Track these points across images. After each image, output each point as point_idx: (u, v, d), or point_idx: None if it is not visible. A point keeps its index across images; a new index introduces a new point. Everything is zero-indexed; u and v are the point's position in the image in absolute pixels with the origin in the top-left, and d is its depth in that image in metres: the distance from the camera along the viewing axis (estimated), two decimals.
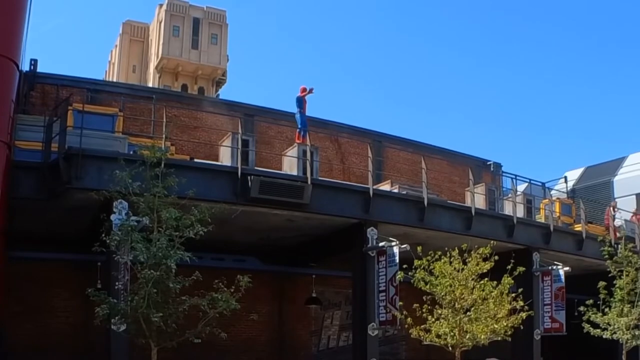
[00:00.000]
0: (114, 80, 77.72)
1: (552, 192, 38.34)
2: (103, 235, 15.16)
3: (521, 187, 34.88)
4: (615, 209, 31.06)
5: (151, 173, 15.52)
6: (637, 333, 24.17)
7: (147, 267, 14.56)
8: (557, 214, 30.48)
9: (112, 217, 16.44)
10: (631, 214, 33.73)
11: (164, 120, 20.16)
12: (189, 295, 15.17)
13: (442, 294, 18.39)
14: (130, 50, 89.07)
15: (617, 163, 42.20)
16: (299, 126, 24.82)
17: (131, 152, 19.49)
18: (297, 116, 24.86)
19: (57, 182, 18.24)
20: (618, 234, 29.03)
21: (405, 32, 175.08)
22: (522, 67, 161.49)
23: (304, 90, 24.82)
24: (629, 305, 23.94)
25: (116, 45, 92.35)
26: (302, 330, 29.20)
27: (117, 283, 15.73)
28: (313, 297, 27.94)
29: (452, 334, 18.41)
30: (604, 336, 24.10)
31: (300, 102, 24.79)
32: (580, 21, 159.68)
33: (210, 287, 15.33)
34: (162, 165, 15.76)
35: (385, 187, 25.76)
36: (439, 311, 18.47)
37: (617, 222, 31.46)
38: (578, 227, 29.81)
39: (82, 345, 22.90)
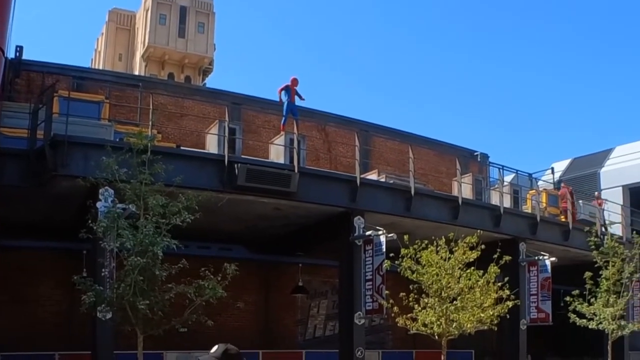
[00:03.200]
0: (100, 68, 77.38)
1: (539, 183, 38.38)
2: (89, 222, 15.05)
3: (508, 178, 34.89)
4: (573, 194, 30.98)
5: (138, 160, 15.40)
6: (622, 323, 24.24)
7: (134, 254, 14.48)
8: (544, 205, 30.49)
9: (98, 204, 16.35)
10: (593, 199, 33.76)
11: (151, 107, 20.06)
12: (175, 283, 15.11)
13: (429, 282, 18.35)
14: (116, 39, 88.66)
15: (604, 155, 42.30)
16: (284, 115, 24.80)
17: (117, 140, 19.36)
18: (285, 106, 24.81)
19: (42, 169, 18.10)
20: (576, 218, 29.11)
21: (392, 22, 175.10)
22: (510, 59, 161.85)
23: (295, 82, 24.77)
24: (614, 296, 23.96)
25: (102, 34, 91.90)
26: (289, 319, 29.22)
27: (103, 270, 15.63)
28: (299, 286, 27.97)
29: (438, 322, 18.38)
30: (589, 326, 24.12)
31: (289, 91, 24.75)
32: (566, 14, 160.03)
33: (197, 276, 15.25)
34: (149, 152, 15.66)
35: (372, 176, 25.74)
36: (426, 300, 18.46)
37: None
38: (564, 218, 29.88)
39: (67, 334, 22.84)
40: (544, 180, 39.36)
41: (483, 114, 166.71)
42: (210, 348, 5.07)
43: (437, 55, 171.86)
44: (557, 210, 31.34)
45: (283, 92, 24.88)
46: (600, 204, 32.30)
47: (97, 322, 16.69)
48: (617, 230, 29.89)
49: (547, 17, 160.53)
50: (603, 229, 28.59)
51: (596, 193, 34.86)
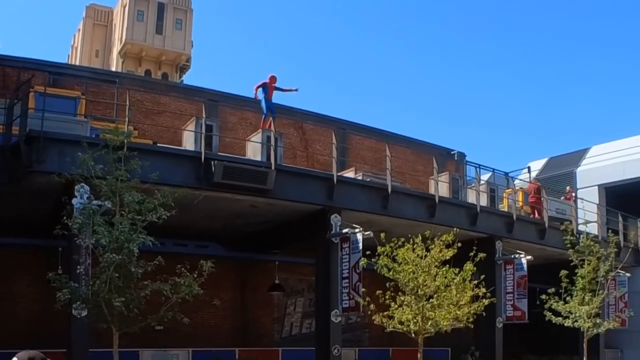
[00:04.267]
0: (77, 64, 76.95)
1: (516, 182, 38.45)
2: (64, 218, 14.94)
3: (485, 177, 34.98)
4: (541, 190, 31.03)
5: (114, 156, 15.30)
6: (598, 321, 24.45)
7: (109, 251, 14.40)
8: (520, 204, 30.56)
9: (74, 200, 16.22)
10: (566, 195, 33.86)
11: (127, 104, 19.91)
12: (151, 280, 15.03)
13: (405, 280, 18.40)
14: (93, 35, 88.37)
15: (580, 154, 42.38)
16: (264, 112, 24.68)
17: (93, 136, 19.23)
18: (262, 103, 24.67)
19: (17, 165, 17.95)
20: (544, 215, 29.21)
21: (370, 22, 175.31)
22: (487, 59, 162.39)
23: (273, 79, 24.62)
24: (590, 294, 24.13)
25: (79, 30, 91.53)
26: (265, 317, 29.16)
27: (78, 267, 15.56)
28: (276, 284, 27.91)
29: (414, 320, 18.43)
30: (565, 324, 24.27)
31: (266, 89, 24.61)
32: (543, 15, 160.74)
33: (173, 273, 15.20)
34: (125, 148, 15.57)
35: (349, 174, 25.69)
36: (402, 298, 18.49)
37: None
38: (533, 215, 29.99)
39: (43, 332, 22.65)
40: (520, 179, 39.37)
41: (460, 113, 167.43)
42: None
43: (415, 54, 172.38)
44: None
45: (260, 89, 24.73)
46: (569, 198, 32.52)
47: (72, 319, 16.60)
48: (592, 229, 30.02)
49: (523, 18, 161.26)
50: (578, 227, 28.75)
51: (567, 188, 35.03)
